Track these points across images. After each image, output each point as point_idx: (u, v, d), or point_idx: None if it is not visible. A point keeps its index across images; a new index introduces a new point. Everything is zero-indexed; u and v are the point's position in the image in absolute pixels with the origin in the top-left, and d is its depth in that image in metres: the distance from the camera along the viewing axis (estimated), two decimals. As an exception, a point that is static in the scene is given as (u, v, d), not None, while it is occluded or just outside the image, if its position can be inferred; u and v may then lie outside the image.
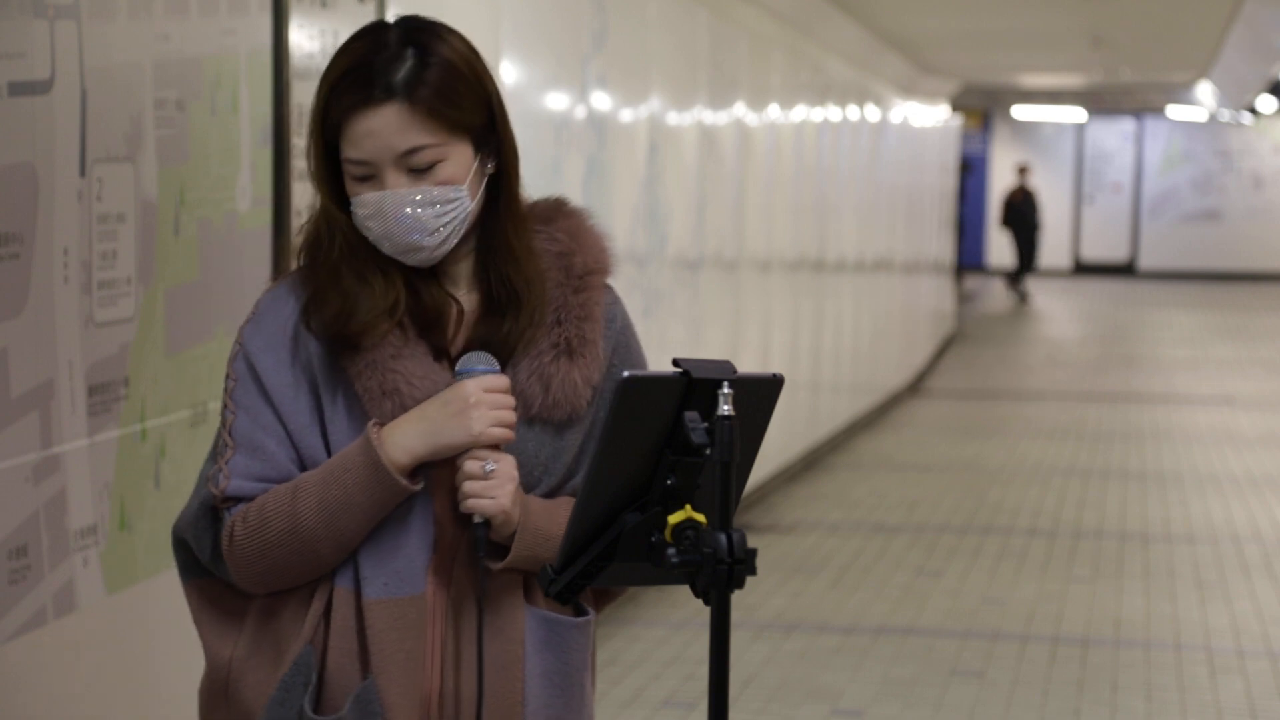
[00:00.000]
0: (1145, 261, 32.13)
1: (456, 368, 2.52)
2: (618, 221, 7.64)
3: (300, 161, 4.80)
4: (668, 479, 2.41)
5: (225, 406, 2.60)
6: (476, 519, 2.50)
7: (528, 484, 2.56)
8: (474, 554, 2.51)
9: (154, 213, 4.00)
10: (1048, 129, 32.18)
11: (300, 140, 4.79)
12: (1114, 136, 32.26)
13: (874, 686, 6.82)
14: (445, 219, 2.51)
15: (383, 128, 2.49)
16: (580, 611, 2.64)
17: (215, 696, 2.62)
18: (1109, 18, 13.50)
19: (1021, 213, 27.62)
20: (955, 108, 21.56)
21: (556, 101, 6.92)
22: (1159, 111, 30.26)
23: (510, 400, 2.51)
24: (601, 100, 7.39)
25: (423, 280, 2.57)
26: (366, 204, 2.51)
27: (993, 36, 15.51)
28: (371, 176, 2.51)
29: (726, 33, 9.48)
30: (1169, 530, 10.04)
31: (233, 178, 4.40)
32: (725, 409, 2.35)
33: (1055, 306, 26.37)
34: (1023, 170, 28.28)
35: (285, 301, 2.61)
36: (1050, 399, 16.17)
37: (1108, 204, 32.23)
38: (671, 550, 2.39)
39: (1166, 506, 10.79)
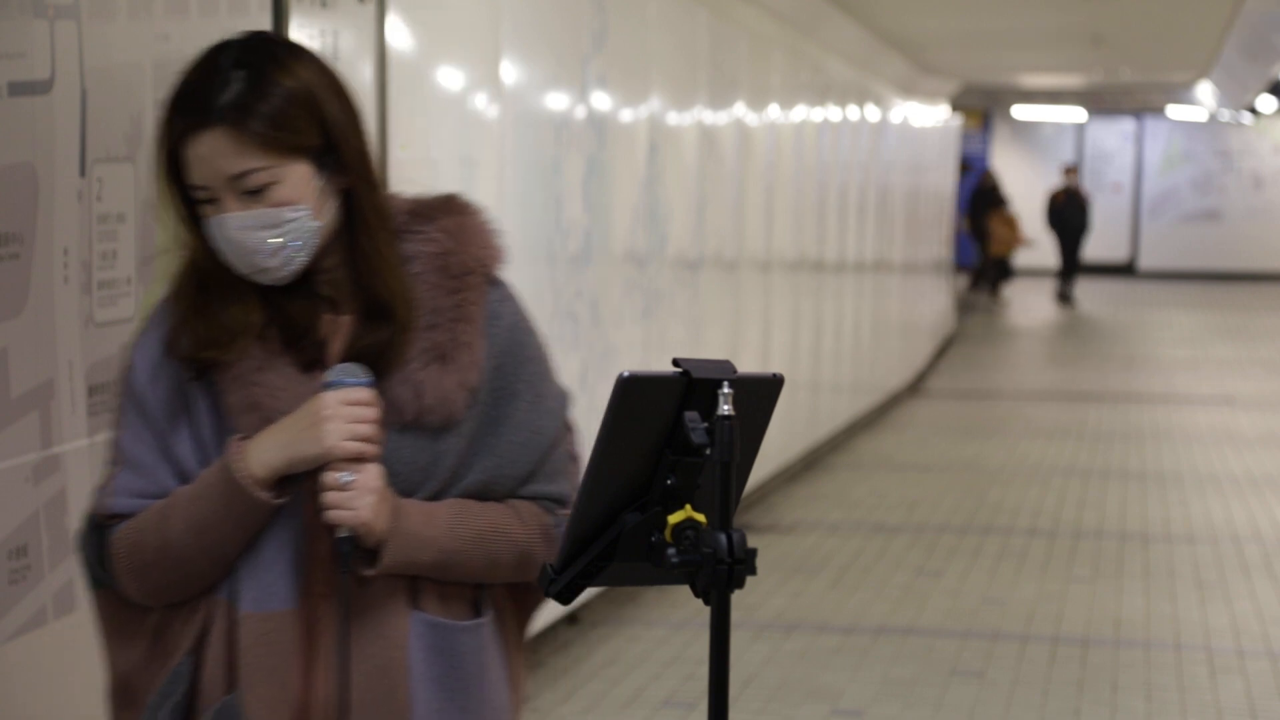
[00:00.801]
0: (1145, 261, 32.14)
1: (325, 378, 2.51)
2: (618, 221, 7.64)
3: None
4: (668, 479, 2.41)
5: (115, 422, 2.60)
6: (340, 531, 2.48)
7: (406, 490, 2.54)
8: (341, 564, 2.50)
9: (154, 213, 4.00)
10: (1048, 129, 32.19)
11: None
12: (1114, 136, 32.26)
13: (874, 686, 6.82)
14: (285, 239, 2.49)
15: (211, 152, 2.48)
16: (477, 613, 2.61)
17: (117, 705, 2.63)
18: (1109, 18, 13.51)
19: (1063, 215, 27.05)
20: (955, 108, 21.56)
21: (556, 101, 6.92)
22: (1159, 111, 30.26)
23: (370, 413, 2.49)
24: (601, 100, 7.39)
25: (289, 294, 2.55)
26: (209, 227, 2.51)
27: (993, 36, 15.51)
28: (214, 199, 2.50)
29: (726, 33, 9.49)
30: (1169, 530, 10.04)
31: (233, 178, 4.39)
32: (725, 409, 2.36)
33: (1056, 306, 26.36)
34: (1069, 171, 27.71)
35: (168, 316, 2.60)
36: (1050, 399, 16.16)
37: (1108, 204, 32.21)
38: (671, 550, 2.39)
39: (1166, 506, 10.79)
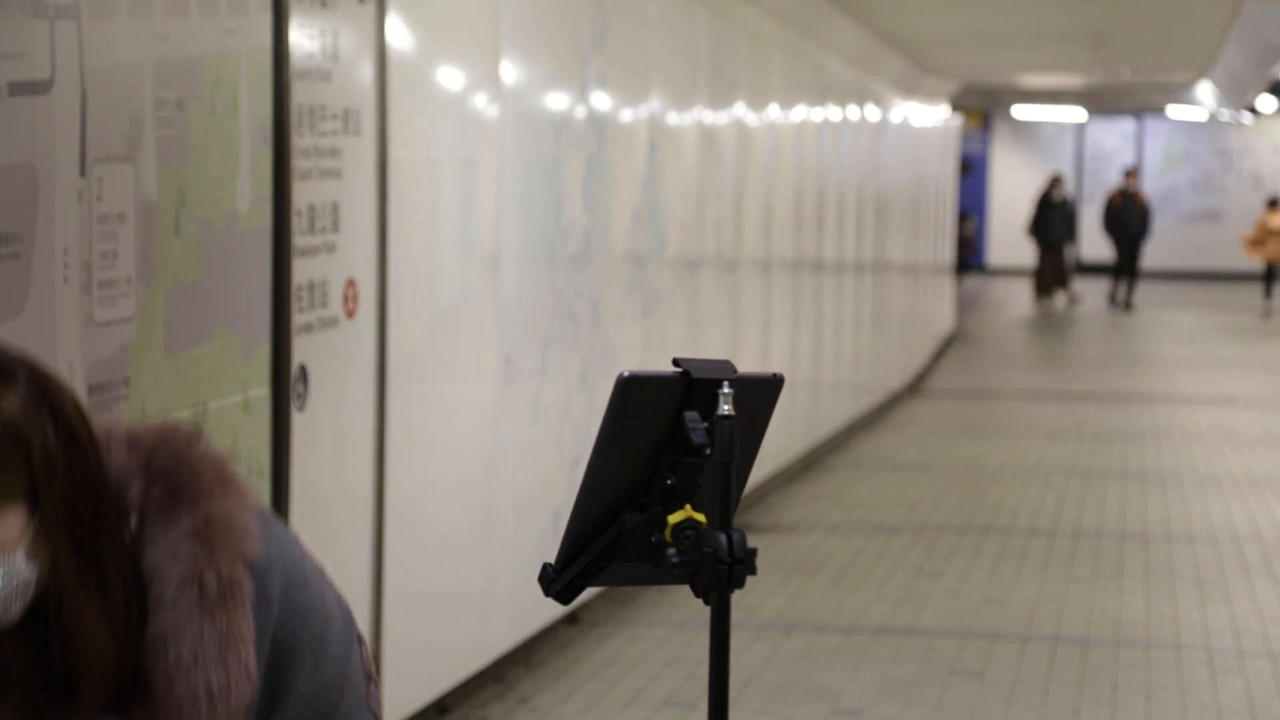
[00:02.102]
0: (1145, 261, 32.10)
1: None
2: (618, 221, 7.64)
3: (302, 162, 4.80)
4: (668, 479, 2.41)
5: None
6: None
7: None
8: None
9: (154, 213, 4.00)
10: (1048, 129, 32.18)
11: (301, 140, 4.79)
12: (1114, 136, 32.25)
13: (874, 686, 6.82)
14: None
15: None
16: None
17: None
18: (1109, 18, 13.51)
19: (1120, 219, 26.23)
20: (955, 108, 21.55)
21: (556, 101, 6.92)
22: (1159, 111, 30.26)
23: None
24: (601, 100, 7.39)
25: (9, 646, 2.23)
26: None
27: (993, 36, 15.51)
28: None
29: (726, 33, 9.49)
30: (1169, 530, 10.04)
31: (233, 178, 4.40)
32: (725, 409, 2.36)
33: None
34: (1129, 174, 26.98)
35: None
36: (1050, 399, 16.16)
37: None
38: (671, 550, 2.39)
39: (1166, 506, 10.79)
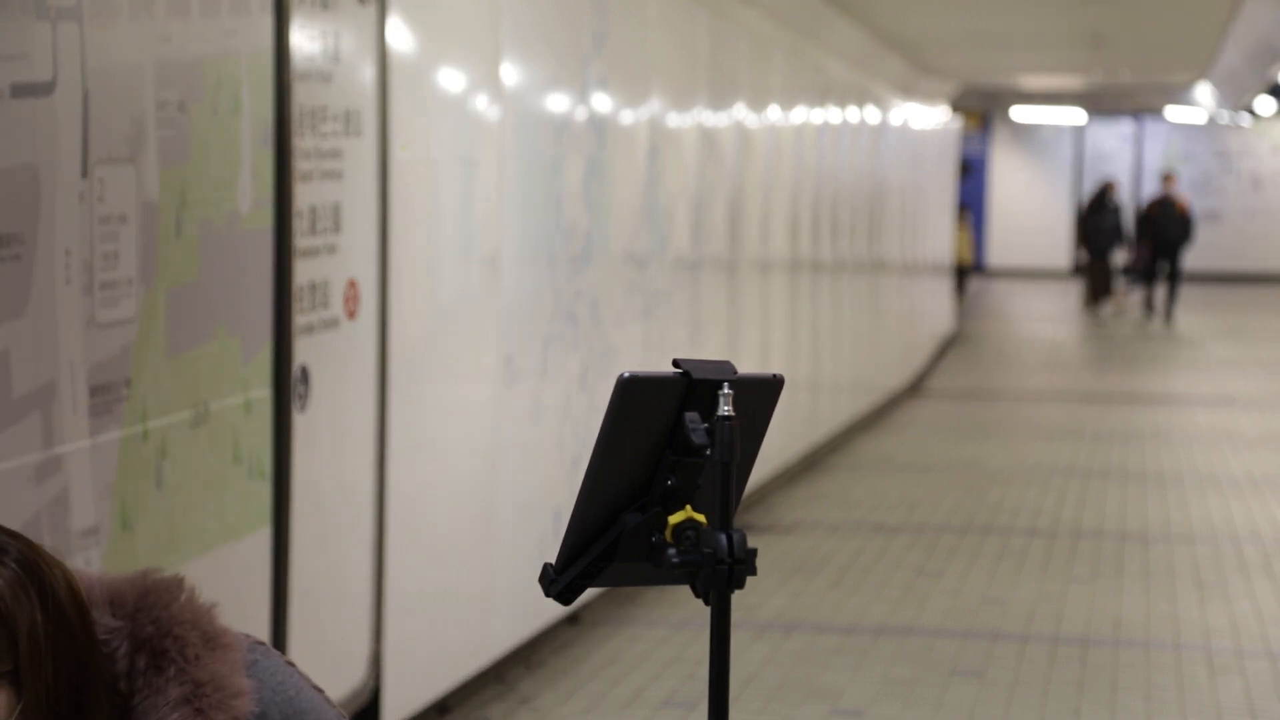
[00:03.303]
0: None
1: None
2: (618, 222, 7.65)
3: (303, 163, 4.81)
4: (668, 479, 2.42)
5: None
6: None
7: None
8: None
9: (155, 214, 4.01)
10: (1047, 131, 32.17)
11: (302, 141, 4.80)
12: (1113, 138, 32.24)
13: (874, 686, 6.82)
14: None
15: None
16: None
17: None
18: (1109, 18, 13.51)
19: (1158, 226, 25.22)
20: (955, 109, 21.55)
21: (557, 102, 6.93)
22: (1158, 113, 30.25)
23: None
24: (602, 101, 7.40)
25: None
26: None
27: (993, 37, 15.52)
28: None
29: (726, 33, 9.49)
30: (1169, 530, 10.04)
31: (234, 179, 4.41)
32: (725, 409, 2.36)
33: (1056, 307, 26.35)
34: (1167, 178, 26.16)
35: None
36: (1050, 399, 16.16)
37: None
38: (672, 550, 2.40)
39: (1166, 506, 10.79)
